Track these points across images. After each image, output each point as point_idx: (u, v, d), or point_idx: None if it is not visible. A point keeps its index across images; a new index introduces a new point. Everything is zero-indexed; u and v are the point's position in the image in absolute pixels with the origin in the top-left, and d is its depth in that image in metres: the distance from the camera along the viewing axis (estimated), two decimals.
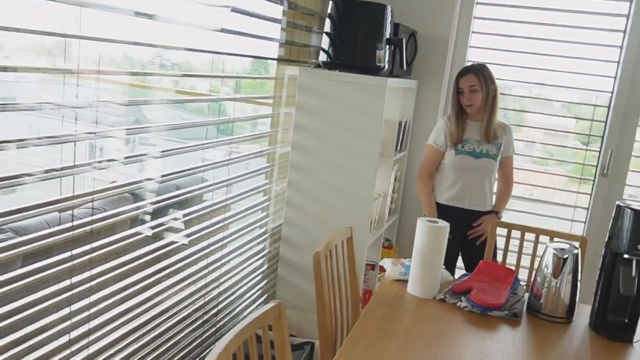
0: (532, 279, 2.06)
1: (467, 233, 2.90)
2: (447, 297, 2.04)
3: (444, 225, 2.04)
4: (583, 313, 2.05)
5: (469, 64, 3.12)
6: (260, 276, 2.64)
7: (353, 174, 2.59)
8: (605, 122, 3.20)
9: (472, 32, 3.29)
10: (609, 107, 3.19)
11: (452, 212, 2.85)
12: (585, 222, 3.31)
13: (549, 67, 3.21)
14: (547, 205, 3.40)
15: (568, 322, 1.99)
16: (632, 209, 1.85)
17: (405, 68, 2.77)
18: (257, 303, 2.65)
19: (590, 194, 3.29)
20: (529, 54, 3.22)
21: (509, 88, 3.36)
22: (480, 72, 2.77)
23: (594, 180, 3.27)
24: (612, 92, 3.16)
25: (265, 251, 2.67)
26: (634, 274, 1.83)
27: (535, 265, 2.37)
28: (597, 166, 3.25)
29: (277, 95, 2.61)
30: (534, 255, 2.57)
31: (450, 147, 2.83)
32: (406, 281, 2.16)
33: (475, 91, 2.75)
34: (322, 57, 2.57)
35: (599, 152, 3.24)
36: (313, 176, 2.64)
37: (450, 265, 2.82)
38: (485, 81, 2.76)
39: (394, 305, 1.96)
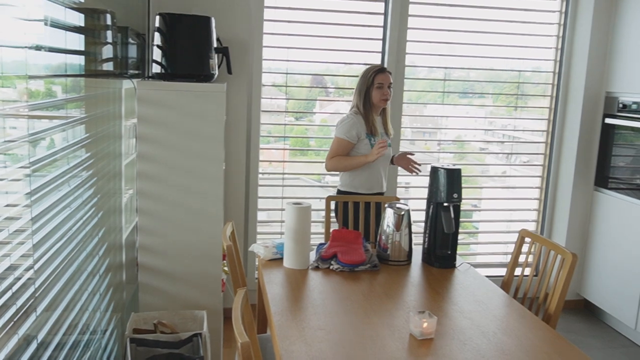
0: (378, 235, 2.58)
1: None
2: (320, 264, 2.45)
3: (308, 205, 2.42)
4: (413, 254, 2.65)
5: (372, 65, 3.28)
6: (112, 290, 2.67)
7: (201, 175, 2.80)
8: None
9: (264, 33, 3.67)
10: None
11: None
12: None
13: None
14: None
15: (409, 263, 2.56)
16: (445, 169, 2.47)
17: (231, 73, 3.04)
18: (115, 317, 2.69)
19: None
20: None
21: None
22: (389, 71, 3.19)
23: None
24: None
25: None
26: (452, 216, 2.47)
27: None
28: None
29: (114, 109, 2.66)
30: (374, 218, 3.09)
31: (363, 139, 3.12)
32: (280, 259, 2.50)
33: (390, 87, 3.16)
34: (156, 68, 2.70)
35: None
36: (163, 182, 2.77)
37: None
38: None
39: (278, 280, 2.29)
